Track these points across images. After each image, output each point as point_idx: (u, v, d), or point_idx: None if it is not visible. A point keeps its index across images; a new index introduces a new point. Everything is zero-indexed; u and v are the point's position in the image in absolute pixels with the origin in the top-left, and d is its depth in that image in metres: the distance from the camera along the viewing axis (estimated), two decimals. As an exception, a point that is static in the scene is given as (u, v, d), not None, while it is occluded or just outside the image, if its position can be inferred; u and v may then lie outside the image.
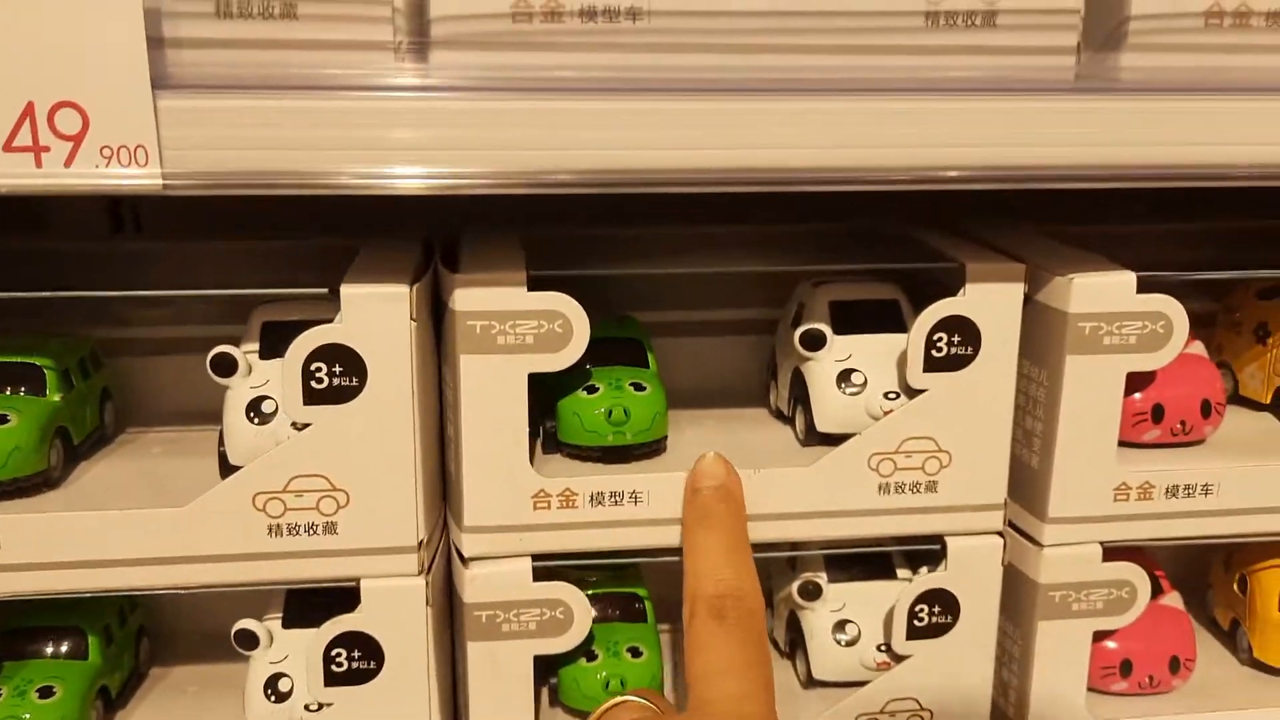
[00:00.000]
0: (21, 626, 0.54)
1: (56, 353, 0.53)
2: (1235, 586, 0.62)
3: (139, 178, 0.40)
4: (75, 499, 0.51)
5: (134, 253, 0.61)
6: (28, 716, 0.50)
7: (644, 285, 0.63)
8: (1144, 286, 0.51)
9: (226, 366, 0.49)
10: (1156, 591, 0.60)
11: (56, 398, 0.52)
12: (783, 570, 0.61)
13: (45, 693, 0.51)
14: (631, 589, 0.59)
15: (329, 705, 0.51)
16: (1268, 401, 0.61)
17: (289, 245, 0.59)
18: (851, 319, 0.55)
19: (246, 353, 0.50)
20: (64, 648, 0.54)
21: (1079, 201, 0.60)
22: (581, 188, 0.43)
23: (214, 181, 0.40)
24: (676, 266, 0.58)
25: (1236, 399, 0.63)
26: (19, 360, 0.52)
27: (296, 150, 0.40)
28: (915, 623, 0.55)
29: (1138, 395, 0.55)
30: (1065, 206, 0.64)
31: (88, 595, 0.48)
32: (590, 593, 0.56)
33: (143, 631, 0.60)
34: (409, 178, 0.42)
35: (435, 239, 0.56)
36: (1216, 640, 0.65)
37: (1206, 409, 0.55)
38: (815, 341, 0.54)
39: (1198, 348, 0.58)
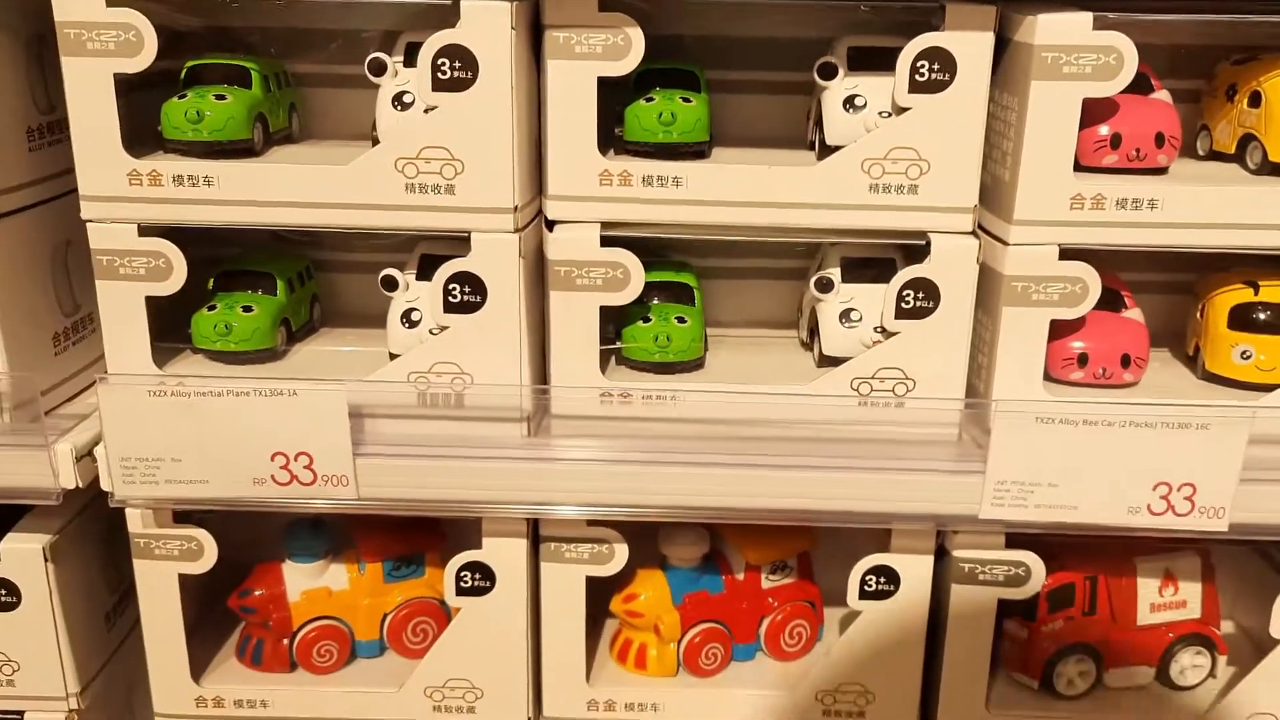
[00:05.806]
0: None
1: None
2: (1198, 314, 0.74)
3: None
4: None
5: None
6: None
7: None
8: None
9: None
10: (1120, 306, 0.73)
11: None
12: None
13: None
14: (684, 279, 0.75)
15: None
16: (1232, 151, 0.71)
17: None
18: (866, 63, 0.69)
19: None
20: None
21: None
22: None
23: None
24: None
25: (1213, 155, 0.74)
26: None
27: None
28: (903, 305, 0.69)
29: (1102, 128, 0.67)
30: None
31: None
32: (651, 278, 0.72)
33: None
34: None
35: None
36: (1182, 364, 0.76)
37: (1160, 140, 0.67)
38: (828, 72, 0.68)
39: (1164, 95, 0.69)
